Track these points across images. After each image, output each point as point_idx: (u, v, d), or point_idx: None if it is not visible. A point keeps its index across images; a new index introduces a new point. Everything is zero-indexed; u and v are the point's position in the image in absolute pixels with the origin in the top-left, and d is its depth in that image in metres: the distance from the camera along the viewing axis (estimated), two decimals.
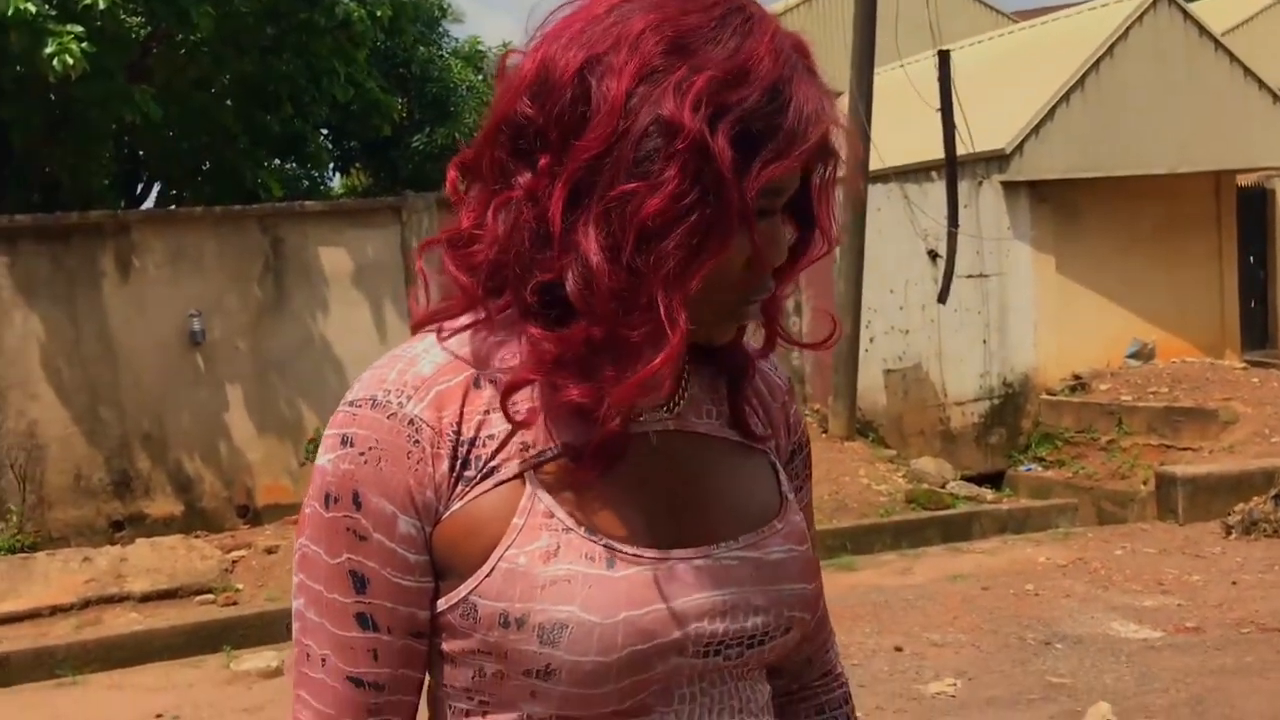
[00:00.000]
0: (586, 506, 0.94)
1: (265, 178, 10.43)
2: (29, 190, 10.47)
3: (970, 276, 10.92)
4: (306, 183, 15.35)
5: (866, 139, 9.69)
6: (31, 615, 6.65)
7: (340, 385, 8.90)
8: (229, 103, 10.39)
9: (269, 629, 6.46)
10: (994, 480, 10.57)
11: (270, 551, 7.58)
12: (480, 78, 17.48)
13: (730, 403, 1.06)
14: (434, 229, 9.21)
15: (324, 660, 0.97)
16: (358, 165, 17.12)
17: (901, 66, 10.65)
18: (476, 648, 0.94)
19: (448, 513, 0.94)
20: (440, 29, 15.79)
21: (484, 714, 0.97)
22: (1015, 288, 11.18)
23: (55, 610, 6.72)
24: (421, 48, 14.85)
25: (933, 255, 10.76)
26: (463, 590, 0.94)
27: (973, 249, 10.83)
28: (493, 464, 0.94)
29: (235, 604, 6.91)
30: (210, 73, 9.99)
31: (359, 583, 0.95)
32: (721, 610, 0.96)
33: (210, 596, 6.98)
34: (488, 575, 0.93)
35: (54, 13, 7.60)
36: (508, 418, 0.94)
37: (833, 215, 1.02)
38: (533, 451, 0.95)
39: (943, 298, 10.55)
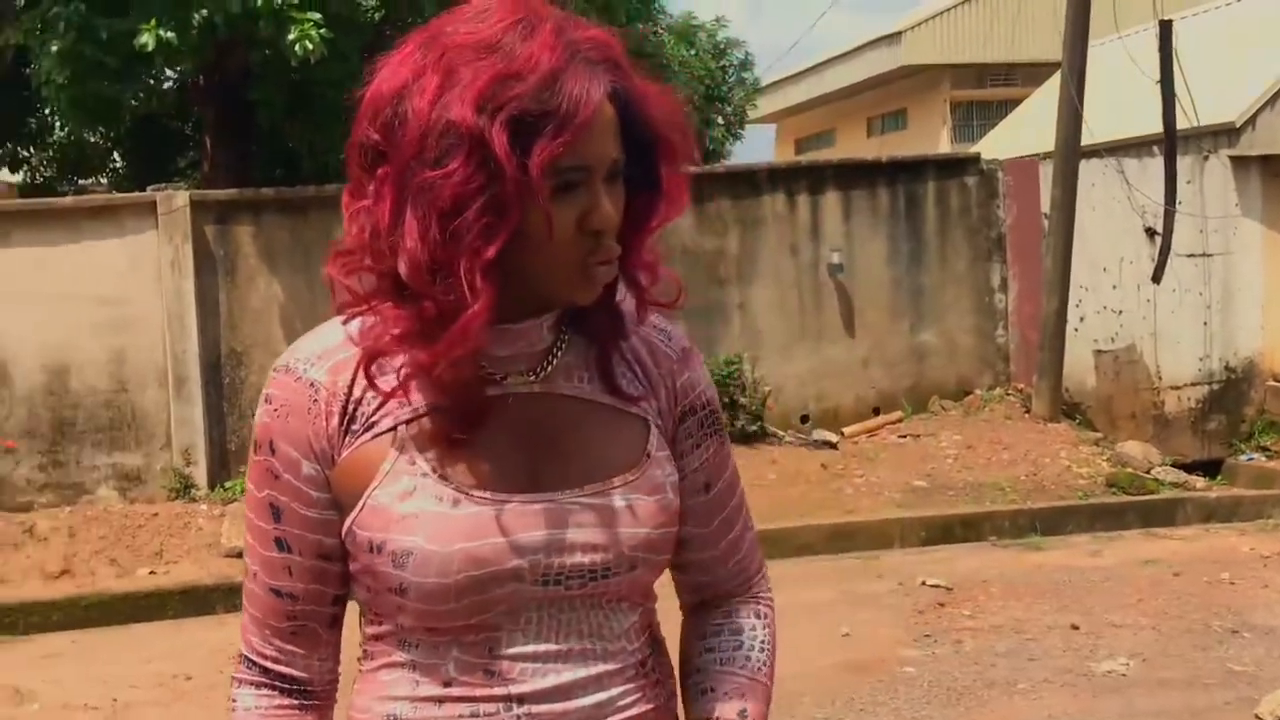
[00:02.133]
0: (445, 457, 1.15)
1: None
2: (274, 166, 11.38)
3: (1191, 255, 10.48)
4: None
5: (1077, 116, 9.44)
6: None
7: None
8: None
9: None
10: (1209, 468, 10.13)
11: None
12: (693, 53, 17.73)
13: (599, 367, 1.24)
14: None
15: (255, 574, 1.23)
16: None
17: (1120, 39, 10.27)
18: (359, 569, 1.19)
19: (339, 459, 1.17)
20: (656, 5, 16.10)
21: (377, 624, 1.22)
22: (1242, 267, 10.63)
23: None
24: (637, 25, 15.18)
25: (1150, 233, 10.36)
26: (347, 522, 1.18)
27: (1194, 227, 10.38)
28: (373, 420, 1.17)
29: None
30: None
31: (275, 513, 1.20)
32: (557, 546, 1.15)
33: None
34: (361, 510, 1.16)
35: (296, 1, 8.27)
36: (368, 381, 1.16)
37: (681, 182, 1.18)
38: (407, 410, 1.16)
39: (1157, 277, 10.17)
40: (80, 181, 16.94)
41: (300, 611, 1.23)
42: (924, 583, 6.54)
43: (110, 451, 8.49)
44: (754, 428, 9.24)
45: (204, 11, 8.45)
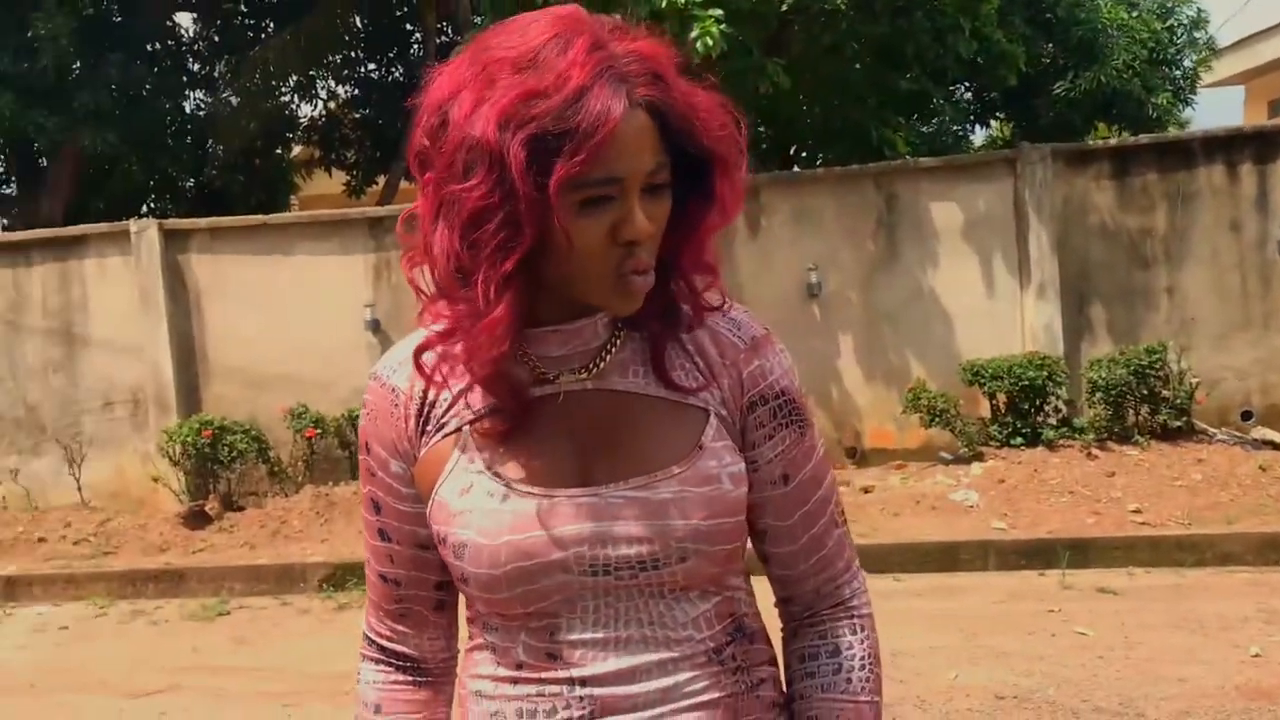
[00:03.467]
0: (499, 455, 1.22)
1: (890, 136, 10.85)
2: None
3: None
4: (947, 139, 15.54)
5: None
6: None
7: (946, 338, 9.12)
8: (858, 66, 10.94)
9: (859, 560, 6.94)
10: None
11: (866, 491, 8.07)
12: (1135, 15, 16.41)
13: (654, 361, 1.25)
14: (1049, 181, 9.03)
15: (368, 562, 1.37)
16: (999, 116, 16.94)
17: None
18: (442, 558, 1.28)
19: (419, 457, 1.27)
20: None
21: (468, 608, 1.31)
22: None
23: None
24: None
25: None
26: (425, 515, 1.27)
27: None
28: (443, 421, 1.26)
29: None
30: (843, 40, 10.58)
31: (375, 506, 1.33)
32: (601, 539, 1.19)
33: None
34: (431, 504, 1.26)
35: (699, 0, 8.59)
36: (418, 370, 1.24)
37: (733, 189, 1.19)
38: (469, 412, 1.24)
39: None
40: None
41: (405, 595, 1.35)
42: None
43: None
44: (1178, 423, 8.46)
45: (616, 17, 8.99)
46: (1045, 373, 8.40)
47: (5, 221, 15.01)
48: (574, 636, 1.22)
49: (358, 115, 16.60)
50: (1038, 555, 6.78)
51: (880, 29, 10.36)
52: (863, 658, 1.32)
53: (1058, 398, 8.58)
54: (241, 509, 8.72)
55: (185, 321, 9.59)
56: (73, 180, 14.15)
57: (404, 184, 15.19)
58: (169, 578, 7.48)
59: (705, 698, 1.24)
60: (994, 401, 8.60)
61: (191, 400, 9.55)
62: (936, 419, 8.47)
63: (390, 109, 15.58)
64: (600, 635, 1.22)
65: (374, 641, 1.38)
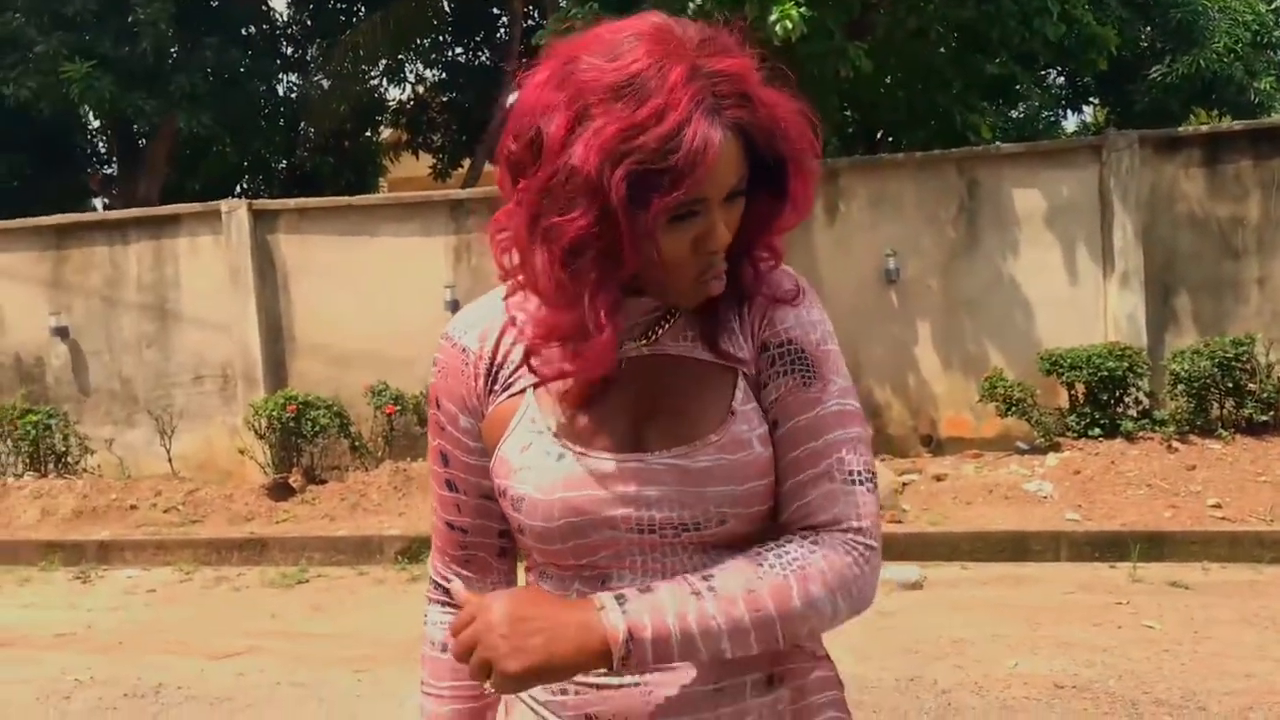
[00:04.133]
0: (562, 416, 1.30)
1: (975, 121, 10.70)
2: None
3: None
4: (1038, 124, 15.25)
5: None
6: None
7: (1026, 326, 9.00)
8: (942, 50, 10.81)
9: (926, 548, 6.91)
10: None
11: (939, 479, 8.01)
12: None
13: (703, 325, 1.31)
14: (1136, 168, 8.85)
15: (435, 510, 1.45)
16: (1093, 101, 16.58)
17: None
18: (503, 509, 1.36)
19: (487, 414, 1.35)
20: None
21: (527, 556, 1.39)
22: None
23: None
24: None
25: None
26: (490, 468, 1.36)
27: None
28: (510, 381, 1.34)
29: (900, 521, 7.45)
30: (928, 23, 10.46)
31: (444, 459, 1.41)
32: (645, 502, 1.26)
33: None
34: (495, 459, 1.34)
35: None
36: (529, 369, 1.31)
37: (806, 190, 1.25)
38: (535, 375, 1.30)
39: None
40: None
41: (471, 542, 1.44)
42: None
43: None
44: (1265, 418, 8.26)
45: (697, 1, 9.00)
46: (1126, 363, 8.25)
47: (105, 200, 15.53)
48: (623, 586, 1.26)
49: (444, 99, 16.83)
50: (1110, 547, 6.69)
51: (966, 12, 10.23)
52: (788, 556, 1.22)
53: (1138, 389, 8.43)
54: (323, 482, 8.95)
55: (273, 299, 9.86)
56: (169, 161, 14.59)
57: (488, 167, 15.39)
58: (252, 546, 7.73)
59: None
60: (1072, 392, 8.48)
61: (278, 376, 9.83)
62: (1013, 408, 8.37)
63: (476, 93, 15.78)
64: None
65: (440, 586, 1.47)
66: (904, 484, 7.97)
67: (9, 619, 6.55)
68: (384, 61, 15.70)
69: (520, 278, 1.26)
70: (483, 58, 16.87)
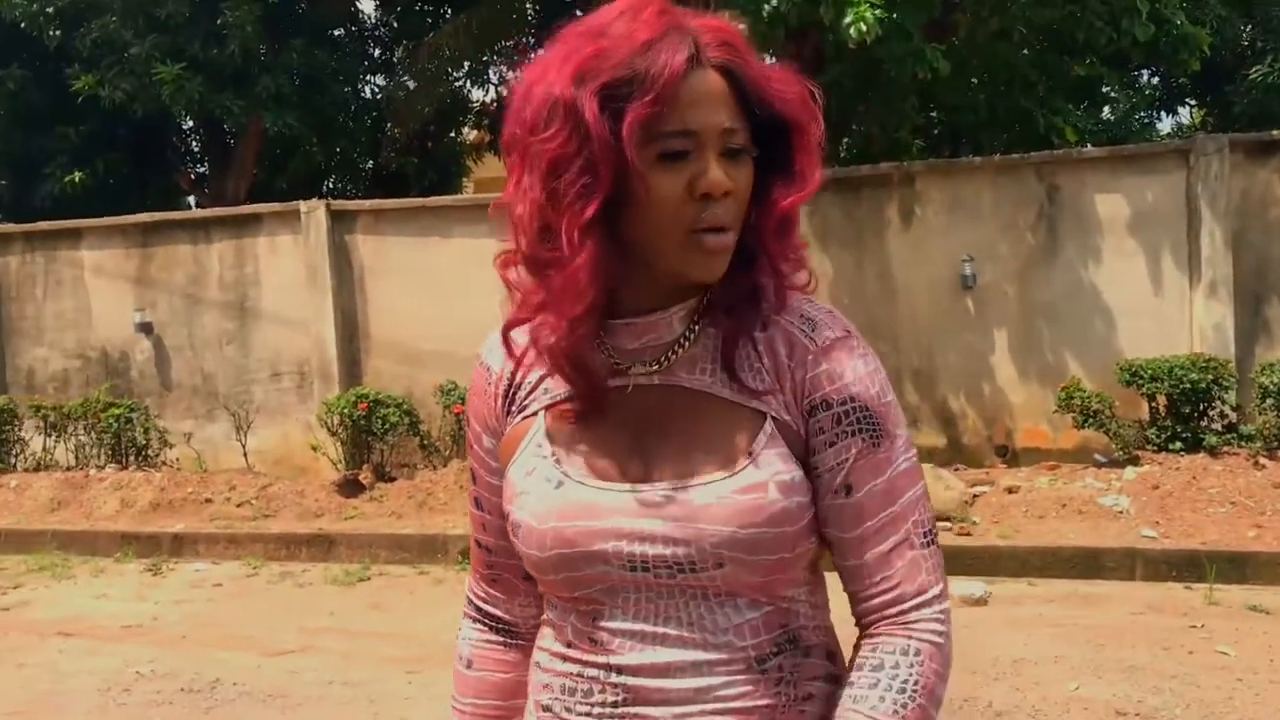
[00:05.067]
0: (567, 441, 1.26)
1: (1058, 124, 10.43)
2: (836, 146, 11.65)
3: None
4: (1132, 126, 14.83)
5: None
6: None
7: (1108, 335, 8.73)
8: (1026, 51, 10.56)
9: (993, 562, 6.75)
10: None
11: (1011, 491, 7.81)
12: None
13: (724, 359, 1.24)
14: (1225, 174, 8.53)
15: (469, 526, 1.46)
16: (1189, 103, 16.06)
17: None
18: None
19: (505, 434, 1.33)
20: None
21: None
22: None
23: None
24: None
25: None
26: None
27: None
28: (526, 403, 1.31)
29: (969, 534, 7.28)
30: (1011, 24, 10.23)
31: (473, 476, 1.42)
32: (638, 536, 1.20)
33: (947, 524, 7.43)
34: (505, 481, 1.32)
35: None
36: (506, 346, 1.29)
37: (813, 161, 1.22)
38: (548, 397, 1.29)
39: None
40: None
41: (496, 562, 1.43)
42: None
43: None
44: None
45: (774, 2, 8.91)
46: (1211, 375, 7.96)
47: (196, 199, 15.90)
48: (614, 625, 1.24)
49: None
50: (1187, 567, 6.45)
51: (1051, 12, 9.98)
52: (906, 681, 1.20)
53: (1224, 402, 8.13)
54: (393, 479, 9.05)
55: (349, 298, 10.00)
56: (257, 160, 14.89)
57: None
58: (319, 543, 7.83)
59: (739, 704, 1.22)
60: (1153, 404, 8.20)
61: (353, 374, 9.96)
62: (1090, 420, 8.13)
63: None
64: (639, 627, 1.23)
65: (472, 602, 1.47)
66: (975, 495, 7.78)
67: (82, 609, 6.72)
68: (468, 63, 15.83)
69: (512, 248, 1.24)
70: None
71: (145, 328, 10.31)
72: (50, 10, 12.40)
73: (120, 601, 6.89)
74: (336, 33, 15.48)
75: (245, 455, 9.78)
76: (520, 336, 1.31)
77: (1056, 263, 8.85)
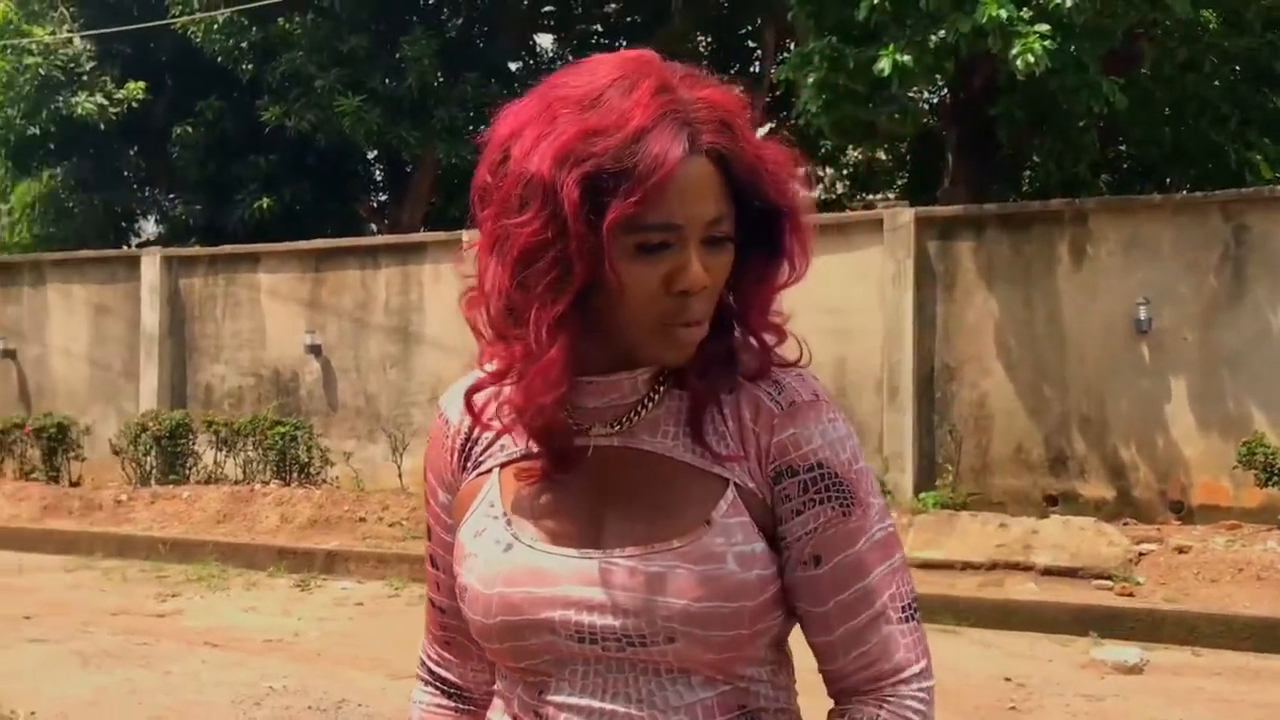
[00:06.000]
0: (520, 502, 1.18)
1: (1252, 159, 9.79)
2: (1016, 179, 11.22)
3: None
4: None
5: None
6: (945, 566, 7.38)
7: None
8: (1217, 83, 9.95)
9: (1155, 627, 6.31)
10: None
11: (1181, 551, 7.30)
12: None
13: (690, 423, 1.16)
14: None
15: (426, 584, 1.37)
16: None
17: None
18: None
19: (459, 490, 1.25)
20: None
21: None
22: None
23: (966, 566, 7.36)
24: None
25: None
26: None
27: None
28: (481, 459, 1.23)
29: (1131, 595, 6.84)
30: (1201, 54, 9.69)
31: (428, 532, 1.32)
32: (587, 605, 1.13)
33: (1108, 583, 7.00)
34: (455, 541, 1.23)
35: (1026, 15, 8.12)
36: (471, 415, 1.21)
37: (803, 247, 1.14)
38: (505, 453, 1.21)
39: None
40: (868, 197, 18.27)
41: (450, 624, 1.33)
42: None
43: None
44: None
45: (940, 33, 8.67)
46: None
47: (375, 227, 16.50)
48: (560, 699, 1.17)
49: None
50: None
51: (1245, 42, 9.42)
52: None
53: None
54: None
55: None
56: (433, 189, 15.36)
57: None
58: None
59: None
60: None
61: None
62: (1274, 478, 7.55)
63: None
64: (585, 703, 1.16)
65: (425, 664, 1.40)
66: (1141, 553, 7.30)
67: (229, 620, 6.96)
68: None
69: (480, 318, 1.16)
70: (737, 91, 16.94)
71: (314, 349, 10.71)
72: (244, 45, 13.10)
73: (267, 615, 7.11)
74: (513, 66, 15.87)
75: (400, 475, 10.02)
76: (480, 394, 1.24)
77: (1242, 306, 8.27)
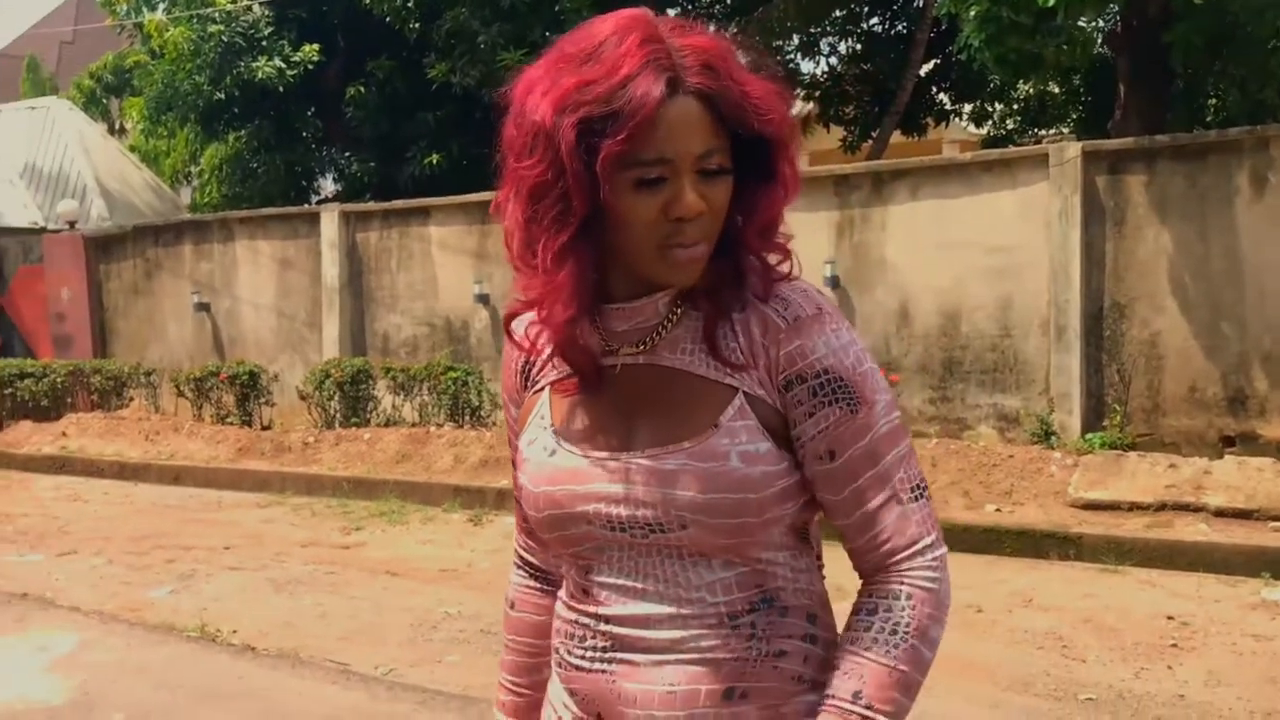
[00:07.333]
0: (563, 415, 1.39)
1: None
2: (1194, 109, 10.67)
3: None
4: None
5: None
6: (1111, 507, 7.23)
7: None
8: None
9: None
10: None
11: None
12: None
13: (705, 339, 1.34)
14: None
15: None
16: None
17: None
18: None
19: (521, 405, 1.47)
20: None
21: None
22: None
23: (1133, 507, 7.20)
24: None
25: None
26: None
27: None
28: (537, 379, 1.45)
29: None
30: None
31: (510, 440, 1.55)
32: (615, 499, 1.33)
33: None
34: (517, 449, 1.47)
35: None
36: (508, 335, 1.42)
37: (794, 171, 1.31)
38: (556, 373, 1.41)
39: None
40: (1040, 132, 17.65)
41: (528, 516, 1.53)
42: None
43: (992, 392, 8.99)
44: None
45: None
46: None
47: None
48: (602, 579, 1.38)
49: (858, 70, 16.68)
50: None
51: None
52: (899, 623, 1.31)
53: None
54: None
55: None
56: None
57: (896, 137, 15.12)
58: None
59: (711, 655, 1.32)
60: None
61: None
62: None
63: (890, 63, 15.52)
64: (622, 582, 1.36)
65: (517, 551, 1.64)
66: None
67: (409, 552, 7.38)
68: (797, 37, 15.83)
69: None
70: (899, 27, 16.54)
71: (483, 298, 11.09)
72: (410, 4, 13.50)
73: (442, 547, 7.50)
74: (670, 12, 15.88)
75: None
76: (519, 320, 1.44)
77: None
